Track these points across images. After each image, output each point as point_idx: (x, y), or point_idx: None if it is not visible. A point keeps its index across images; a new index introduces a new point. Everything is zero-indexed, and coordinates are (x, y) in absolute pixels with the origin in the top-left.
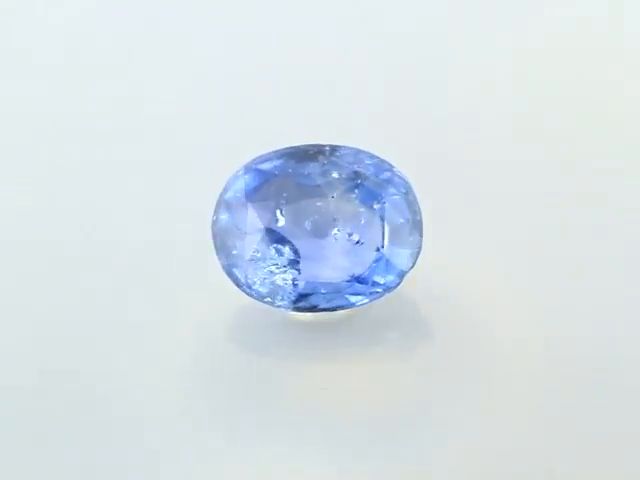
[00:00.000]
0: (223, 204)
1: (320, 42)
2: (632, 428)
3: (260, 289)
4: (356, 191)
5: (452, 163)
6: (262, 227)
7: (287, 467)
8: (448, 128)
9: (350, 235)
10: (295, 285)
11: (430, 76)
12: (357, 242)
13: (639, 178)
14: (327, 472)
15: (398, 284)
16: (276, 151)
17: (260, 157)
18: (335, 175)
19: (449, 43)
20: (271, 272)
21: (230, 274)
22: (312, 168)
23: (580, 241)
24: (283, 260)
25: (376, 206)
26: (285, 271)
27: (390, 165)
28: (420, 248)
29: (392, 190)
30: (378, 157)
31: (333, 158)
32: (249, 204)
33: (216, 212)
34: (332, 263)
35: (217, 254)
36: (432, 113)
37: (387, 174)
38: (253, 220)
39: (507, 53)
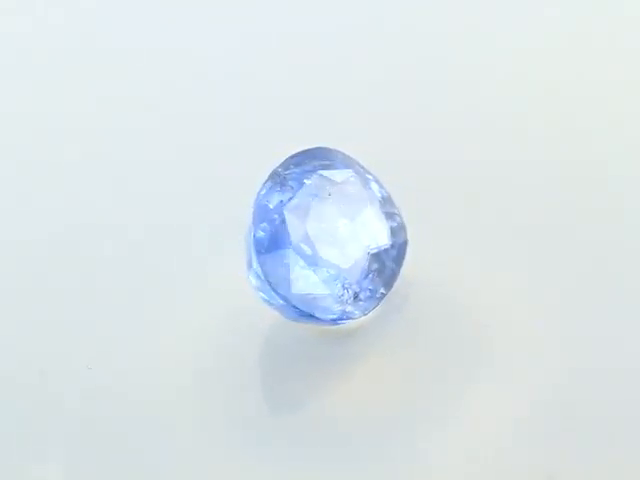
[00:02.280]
0: (258, 268)
1: (318, 43)
2: (633, 432)
3: (354, 311)
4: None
5: (452, 164)
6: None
7: (289, 467)
8: (445, 130)
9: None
10: (355, 292)
11: (429, 77)
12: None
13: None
14: (329, 472)
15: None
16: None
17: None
18: (307, 181)
19: (446, 44)
20: (339, 296)
21: (336, 320)
22: (283, 191)
23: (582, 243)
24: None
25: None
26: (343, 290)
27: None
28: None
29: (345, 170)
30: (307, 151)
31: (289, 171)
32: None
33: (258, 275)
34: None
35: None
36: (431, 115)
37: (327, 162)
38: (294, 265)
39: (506, 54)
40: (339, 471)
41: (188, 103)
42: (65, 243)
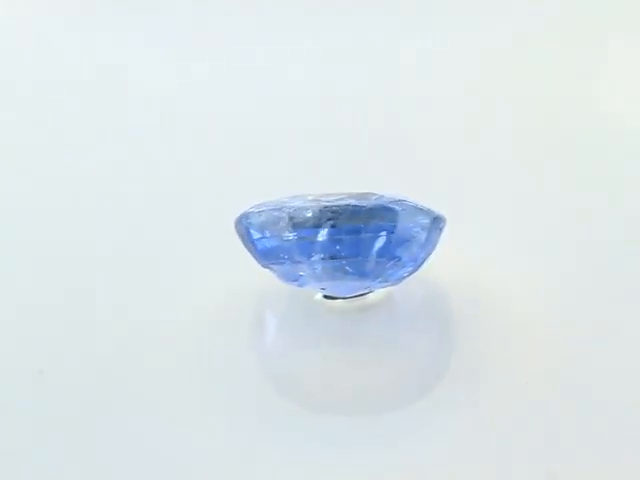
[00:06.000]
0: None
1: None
2: (633, 432)
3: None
4: None
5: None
6: None
7: (290, 463)
8: (453, 131)
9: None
10: None
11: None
12: None
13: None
14: (331, 468)
15: None
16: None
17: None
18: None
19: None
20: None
21: None
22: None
23: (589, 245)
24: None
25: None
26: None
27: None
28: None
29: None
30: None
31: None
32: None
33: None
34: None
35: None
36: (441, 116)
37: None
38: None
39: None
40: (338, 468)
41: (195, 114)
42: (69, 243)
